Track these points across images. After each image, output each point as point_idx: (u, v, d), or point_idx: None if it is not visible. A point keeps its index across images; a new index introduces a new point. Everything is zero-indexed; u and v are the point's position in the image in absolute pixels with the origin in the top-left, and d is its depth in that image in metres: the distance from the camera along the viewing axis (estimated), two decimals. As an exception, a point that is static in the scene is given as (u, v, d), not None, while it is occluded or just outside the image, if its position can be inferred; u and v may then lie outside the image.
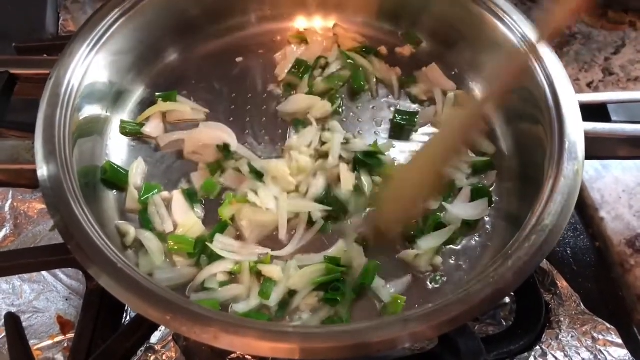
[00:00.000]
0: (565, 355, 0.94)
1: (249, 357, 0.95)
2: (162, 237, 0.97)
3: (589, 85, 1.31)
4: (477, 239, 1.00)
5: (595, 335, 0.96)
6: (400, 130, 1.12)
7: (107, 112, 1.08)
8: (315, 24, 1.25)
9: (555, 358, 0.93)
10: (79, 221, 0.82)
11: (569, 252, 1.09)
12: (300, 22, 1.25)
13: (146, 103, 1.13)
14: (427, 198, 1.00)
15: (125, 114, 1.12)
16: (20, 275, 1.05)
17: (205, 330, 0.73)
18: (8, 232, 1.10)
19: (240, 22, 1.23)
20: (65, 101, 0.94)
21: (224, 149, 1.05)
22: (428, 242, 0.97)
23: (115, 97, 1.09)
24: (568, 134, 0.92)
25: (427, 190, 0.99)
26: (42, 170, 0.87)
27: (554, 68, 0.99)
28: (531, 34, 1.02)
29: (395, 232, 0.99)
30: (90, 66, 1.00)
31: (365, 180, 1.04)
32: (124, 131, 1.08)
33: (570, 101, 0.96)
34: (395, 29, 1.22)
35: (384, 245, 0.99)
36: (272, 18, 1.24)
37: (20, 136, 1.10)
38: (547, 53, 1.00)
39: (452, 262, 0.98)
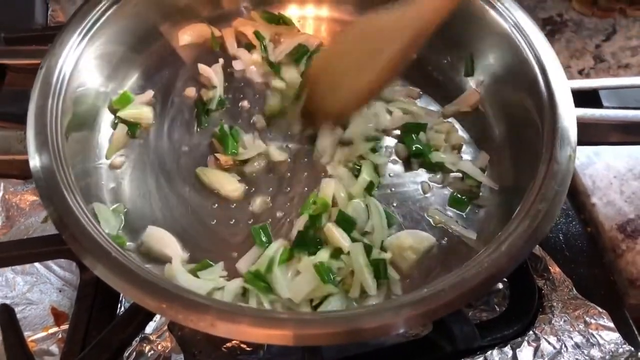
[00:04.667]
0: (558, 340, 0.94)
1: (245, 346, 0.95)
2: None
3: (580, 72, 1.31)
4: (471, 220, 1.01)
5: (587, 319, 0.96)
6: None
7: (99, 102, 1.07)
8: (307, 12, 1.25)
9: (548, 342, 0.94)
10: (72, 212, 0.82)
11: (561, 237, 1.10)
12: (292, 11, 1.24)
13: (137, 92, 1.12)
14: (366, 88, 0.99)
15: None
16: (13, 268, 1.04)
17: (202, 317, 0.73)
18: (0, 224, 1.09)
19: (233, 10, 1.22)
20: (57, 91, 0.93)
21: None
22: None
23: (107, 86, 1.08)
24: (561, 119, 0.92)
25: (366, 77, 0.96)
26: (35, 161, 0.86)
27: (545, 54, 0.99)
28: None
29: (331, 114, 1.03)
30: (82, 55, 0.99)
31: None
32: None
33: (562, 87, 0.96)
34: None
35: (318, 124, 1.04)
36: (264, 6, 1.24)
37: (10, 127, 1.09)
38: (539, 39, 1.01)
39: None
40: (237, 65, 1.18)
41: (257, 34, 1.20)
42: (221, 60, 1.17)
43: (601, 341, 0.94)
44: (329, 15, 1.25)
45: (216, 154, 1.06)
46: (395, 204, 1.03)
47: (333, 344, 0.78)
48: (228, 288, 0.90)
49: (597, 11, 1.41)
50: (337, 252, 0.94)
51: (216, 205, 1.02)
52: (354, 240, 0.95)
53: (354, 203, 0.99)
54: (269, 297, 0.90)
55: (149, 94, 1.11)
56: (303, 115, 1.09)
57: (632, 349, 0.93)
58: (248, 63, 1.18)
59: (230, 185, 1.02)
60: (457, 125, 1.11)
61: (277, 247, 0.95)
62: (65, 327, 0.98)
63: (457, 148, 1.09)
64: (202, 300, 0.76)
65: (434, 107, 1.15)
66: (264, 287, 0.90)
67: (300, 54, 1.18)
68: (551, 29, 1.38)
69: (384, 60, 0.94)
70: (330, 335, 0.75)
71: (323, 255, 0.93)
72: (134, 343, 0.93)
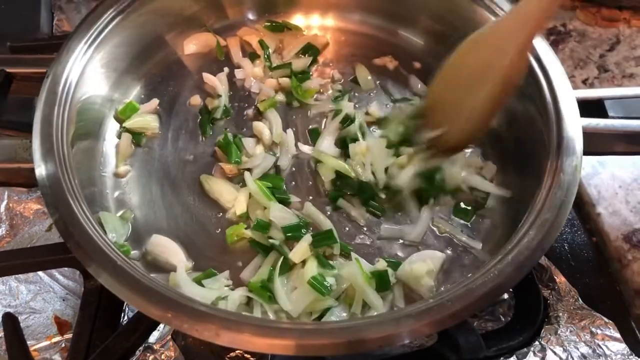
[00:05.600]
0: (564, 350, 0.94)
1: (248, 356, 0.95)
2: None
3: (584, 82, 1.32)
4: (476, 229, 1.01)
5: (593, 329, 0.96)
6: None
7: (104, 110, 1.08)
8: (312, 21, 1.26)
9: (554, 353, 0.94)
10: (78, 219, 0.82)
11: (566, 247, 1.10)
12: (298, 20, 1.25)
13: (143, 101, 1.13)
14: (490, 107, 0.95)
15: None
16: (17, 276, 1.04)
17: (207, 327, 0.73)
18: (4, 232, 1.10)
19: (238, 19, 1.23)
20: (62, 99, 0.94)
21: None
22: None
23: (113, 94, 1.09)
24: (566, 129, 0.93)
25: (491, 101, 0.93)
26: (40, 169, 0.87)
27: (550, 64, 1.00)
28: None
29: (462, 140, 1.01)
30: (87, 64, 1.00)
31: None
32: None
33: (567, 97, 0.96)
34: (393, 27, 1.23)
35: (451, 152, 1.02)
36: (269, 15, 1.24)
37: (15, 135, 1.10)
38: (544, 50, 1.01)
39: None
40: (238, 74, 1.18)
41: (261, 43, 1.20)
42: (226, 69, 1.18)
43: (607, 352, 0.94)
44: (334, 25, 1.25)
45: (220, 163, 1.06)
46: (400, 213, 1.02)
47: (336, 354, 0.78)
48: (232, 297, 0.90)
49: (601, 21, 1.41)
50: (323, 261, 0.94)
51: (221, 214, 1.02)
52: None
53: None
54: (273, 307, 0.89)
55: (154, 102, 1.12)
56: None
57: (639, 360, 0.93)
58: (248, 74, 1.18)
59: (228, 196, 1.02)
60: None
61: (276, 256, 0.95)
62: (68, 336, 0.98)
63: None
64: (206, 309, 0.76)
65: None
66: (268, 297, 0.89)
67: (309, 52, 1.20)
68: (555, 38, 1.38)
69: (496, 75, 0.90)
70: (333, 346, 0.75)
71: (311, 267, 0.92)
72: (138, 352, 0.93)
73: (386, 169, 1.03)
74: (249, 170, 1.04)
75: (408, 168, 1.02)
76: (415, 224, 1.00)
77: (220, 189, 1.03)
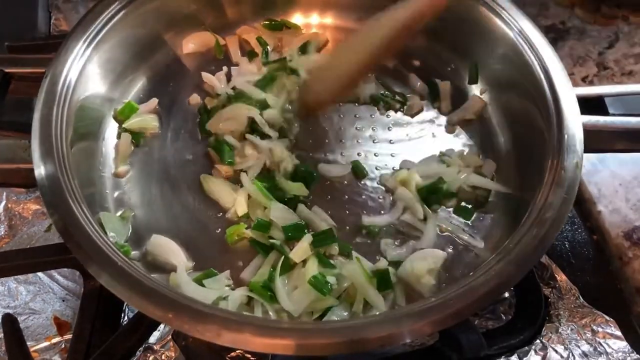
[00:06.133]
0: (566, 348, 0.94)
1: (249, 356, 0.95)
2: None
3: (583, 79, 1.31)
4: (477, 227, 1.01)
5: (594, 327, 0.96)
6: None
7: (104, 110, 1.07)
8: (312, 20, 1.25)
9: (556, 351, 0.94)
10: (78, 220, 0.82)
11: (567, 245, 1.10)
12: (297, 19, 1.24)
13: (142, 100, 1.12)
14: (351, 80, 1.06)
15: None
16: (16, 277, 1.04)
17: (208, 327, 0.73)
18: (2, 233, 1.09)
19: (237, 18, 1.22)
20: (61, 99, 0.94)
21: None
22: None
23: (112, 94, 1.08)
24: (567, 126, 0.92)
25: (353, 71, 1.04)
26: (40, 170, 0.86)
27: (550, 62, 1.00)
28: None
29: (322, 103, 1.10)
30: (86, 63, 0.99)
31: None
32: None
33: (568, 94, 0.96)
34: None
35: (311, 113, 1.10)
36: (268, 14, 1.23)
37: (14, 136, 1.09)
38: (544, 47, 1.01)
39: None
40: (235, 73, 1.18)
41: (259, 40, 1.20)
42: (225, 69, 1.17)
43: (609, 350, 0.94)
44: (333, 23, 1.25)
45: (216, 165, 1.05)
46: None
47: (337, 354, 0.78)
48: (233, 297, 0.90)
49: (600, 18, 1.41)
50: (323, 260, 0.93)
51: (221, 213, 1.01)
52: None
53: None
54: (274, 307, 0.89)
55: (154, 102, 1.11)
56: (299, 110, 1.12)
57: (641, 357, 0.93)
58: (243, 71, 1.17)
59: (228, 196, 1.02)
60: (463, 134, 1.11)
61: (276, 256, 0.94)
62: (68, 337, 0.98)
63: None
64: (208, 309, 0.75)
65: (437, 114, 1.15)
66: (269, 297, 0.89)
67: (311, 48, 1.20)
68: (554, 36, 1.38)
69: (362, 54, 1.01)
70: (334, 345, 0.74)
71: (312, 266, 0.92)
72: (138, 353, 0.93)
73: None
74: (244, 171, 1.04)
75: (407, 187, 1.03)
76: (423, 234, 0.99)
77: (220, 189, 1.02)
